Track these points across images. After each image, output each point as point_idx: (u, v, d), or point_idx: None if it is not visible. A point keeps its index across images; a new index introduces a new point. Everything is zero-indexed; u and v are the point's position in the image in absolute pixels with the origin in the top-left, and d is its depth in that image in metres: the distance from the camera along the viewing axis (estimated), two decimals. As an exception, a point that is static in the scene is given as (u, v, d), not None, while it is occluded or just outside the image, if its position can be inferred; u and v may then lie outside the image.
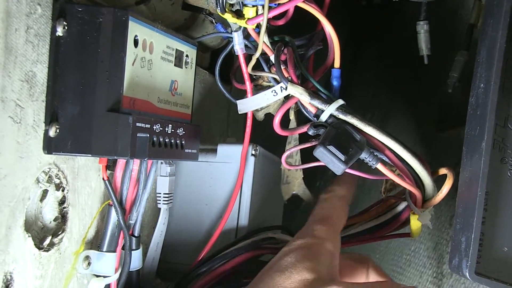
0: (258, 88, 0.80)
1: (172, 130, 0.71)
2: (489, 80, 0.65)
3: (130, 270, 0.75)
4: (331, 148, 0.66)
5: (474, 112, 0.68)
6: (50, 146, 0.63)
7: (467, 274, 0.64)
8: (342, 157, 0.66)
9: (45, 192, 0.66)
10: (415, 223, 0.75)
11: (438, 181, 0.74)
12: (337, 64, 0.75)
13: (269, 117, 0.77)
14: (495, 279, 0.65)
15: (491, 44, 0.66)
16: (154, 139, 0.67)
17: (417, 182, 0.73)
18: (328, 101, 0.71)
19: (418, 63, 0.83)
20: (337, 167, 0.66)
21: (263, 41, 0.73)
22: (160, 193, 0.80)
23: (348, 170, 0.69)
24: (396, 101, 1.18)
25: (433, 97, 0.97)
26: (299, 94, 0.71)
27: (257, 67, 0.78)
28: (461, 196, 0.69)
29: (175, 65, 0.74)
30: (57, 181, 0.67)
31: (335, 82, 0.75)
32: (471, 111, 0.69)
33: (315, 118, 0.72)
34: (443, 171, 0.73)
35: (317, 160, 0.68)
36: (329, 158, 0.66)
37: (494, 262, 0.67)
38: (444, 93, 0.93)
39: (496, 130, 0.66)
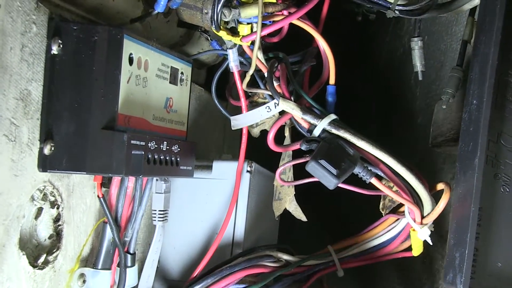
0: (253, 104, 0.80)
1: (167, 147, 0.71)
2: (482, 97, 0.65)
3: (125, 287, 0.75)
4: (323, 162, 0.66)
5: (467, 128, 0.68)
6: (45, 164, 0.63)
7: (461, 289, 0.64)
8: (334, 171, 0.66)
9: (40, 210, 0.66)
10: (415, 240, 0.75)
11: (437, 197, 0.74)
12: (332, 80, 0.76)
13: (265, 134, 0.77)
14: (489, 295, 0.66)
15: (484, 61, 0.66)
16: (149, 156, 0.67)
17: (414, 197, 0.73)
18: (321, 116, 0.71)
19: (413, 79, 0.84)
20: (330, 181, 0.66)
21: (257, 58, 0.74)
22: (155, 210, 0.80)
23: (341, 185, 0.69)
24: (391, 115, 1.18)
25: (427, 113, 0.98)
26: (291, 109, 0.71)
27: (253, 84, 0.79)
28: (455, 211, 0.69)
29: (170, 82, 0.75)
30: (52, 198, 0.67)
31: (330, 98, 0.75)
32: (464, 127, 0.70)
33: (308, 134, 0.72)
34: (440, 186, 0.74)
35: (310, 176, 0.68)
36: (321, 173, 0.66)
37: (488, 278, 0.66)
38: (439, 109, 0.94)
39: (489, 146, 0.66)
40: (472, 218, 0.64)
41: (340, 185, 0.69)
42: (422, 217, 0.74)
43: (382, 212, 0.79)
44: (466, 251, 0.64)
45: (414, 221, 0.74)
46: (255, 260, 0.79)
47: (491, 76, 0.65)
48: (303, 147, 0.70)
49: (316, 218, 1.15)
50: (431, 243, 0.74)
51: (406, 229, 0.77)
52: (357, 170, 0.69)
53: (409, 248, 0.78)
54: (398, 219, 0.77)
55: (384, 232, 0.80)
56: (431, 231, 0.74)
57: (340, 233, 0.82)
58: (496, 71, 0.65)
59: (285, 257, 0.80)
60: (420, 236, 0.74)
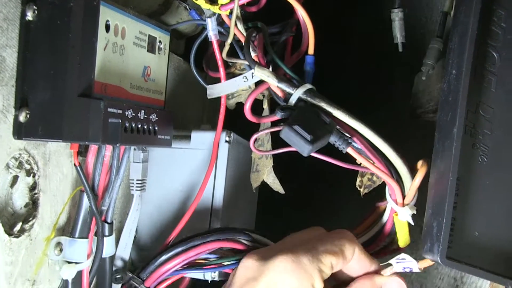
0: (230, 76, 0.80)
1: (145, 116, 0.71)
2: (461, 67, 0.65)
3: (102, 256, 0.74)
4: (297, 128, 0.65)
5: (446, 98, 0.68)
6: (20, 131, 0.63)
7: (439, 258, 0.64)
8: (308, 137, 0.65)
9: (15, 178, 0.65)
10: (400, 228, 0.74)
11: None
12: (311, 50, 0.75)
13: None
14: (466, 264, 0.66)
15: (463, 31, 0.66)
16: (127, 124, 0.67)
17: (393, 173, 0.72)
18: (297, 85, 0.70)
19: (392, 51, 0.83)
20: (303, 147, 0.65)
21: (236, 27, 0.73)
22: (133, 180, 0.80)
23: (316, 155, 0.68)
24: (371, 87, 1.18)
25: (406, 84, 0.98)
26: (266, 76, 0.70)
27: (233, 55, 0.78)
28: (433, 181, 0.69)
29: (148, 50, 0.74)
30: (28, 167, 0.66)
31: (308, 68, 0.75)
32: (443, 97, 0.70)
33: (284, 103, 0.72)
34: (420, 164, 0.73)
35: (287, 145, 0.68)
36: (295, 139, 0.65)
37: (465, 247, 0.67)
38: (418, 81, 0.94)
39: (468, 116, 0.66)
40: (450, 187, 0.64)
41: (315, 155, 0.69)
42: (403, 196, 0.73)
43: (359, 190, 0.79)
44: (444, 220, 0.64)
45: (396, 202, 0.73)
46: (230, 233, 0.78)
47: (471, 46, 0.65)
48: (278, 115, 0.69)
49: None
50: (413, 223, 0.73)
51: (390, 216, 0.76)
52: (333, 139, 0.69)
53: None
54: (385, 207, 0.77)
55: (374, 225, 0.79)
56: (413, 213, 0.73)
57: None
58: (475, 41, 0.65)
59: (264, 240, 0.79)
60: (401, 217, 0.73)
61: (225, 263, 0.76)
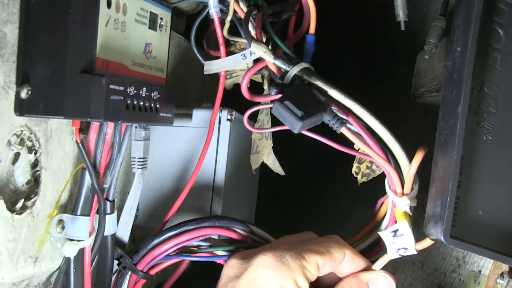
0: (229, 55, 0.79)
1: (147, 94, 0.70)
2: (466, 44, 0.65)
3: (104, 234, 0.74)
4: (287, 103, 0.64)
5: (450, 76, 0.68)
6: (22, 108, 0.62)
7: (442, 237, 0.64)
8: (299, 113, 0.63)
9: (17, 155, 0.65)
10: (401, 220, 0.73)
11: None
12: (312, 30, 0.75)
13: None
14: (470, 242, 0.65)
15: (468, 8, 0.66)
16: (128, 102, 0.66)
17: (390, 159, 0.71)
18: (293, 62, 0.70)
19: (395, 29, 0.83)
20: (293, 123, 0.64)
21: (237, 4, 0.73)
22: (134, 158, 0.79)
23: (310, 134, 0.68)
24: (371, 66, 1.18)
25: (409, 63, 0.97)
26: (263, 52, 0.70)
27: (234, 34, 0.77)
28: (437, 160, 0.69)
29: (149, 27, 0.73)
30: (29, 143, 0.66)
31: (308, 47, 0.74)
32: (447, 75, 0.69)
33: (280, 81, 0.71)
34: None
35: (281, 124, 0.67)
36: (286, 114, 0.64)
37: (469, 226, 0.66)
38: (421, 60, 0.93)
39: (473, 93, 0.66)
40: (454, 166, 0.64)
41: (308, 133, 0.68)
42: (402, 184, 0.71)
43: (356, 177, 0.77)
44: (448, 199, 0.64)
45: (395, 193, 0.71)
46: (226, 221, 0.77)
47: (476, 23, 0.64)
48: (272, 92, 0.68)
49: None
50: (410, 213, 0.72)
51: (392, 210, 0.74)
52: (326, 118, 0.68)
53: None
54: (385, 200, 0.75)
55: (374, 230, 0.77)
56: (413, 206, 0.72)
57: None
58: (480, 18, 0.64)
59: (262, 232, 0.78)
60: (399, 207, 0.71)
61: (218, 253, 0.75)
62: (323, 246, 0.69)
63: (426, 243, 0.69)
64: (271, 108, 0.67)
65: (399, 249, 0.70)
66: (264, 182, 1.03)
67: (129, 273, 0.78)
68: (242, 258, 0.69)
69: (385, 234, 0.70)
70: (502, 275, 0.72)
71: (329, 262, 0.68)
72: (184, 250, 0.77)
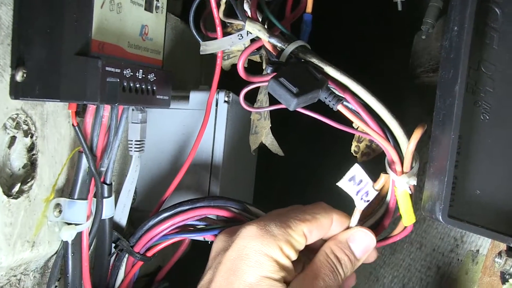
0: (227, 35, 0.79)
1: (143, 76, 0.70)
2: (463, 23, 0.64)
3: (102, 218, 0.74)
4: (283, 80, 0.63)
5: (447, 55, 0.68)
6: (17, 91, 0.62)
7: (440, 217, 0.64)
8: (294, 89, 0.63)
9: (13, 139, 0.64)
10: (404, 202, 0.71)
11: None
12: (309, 9, 0.74)
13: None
14: (468, 222, 0.65)
15: (465, -14, 0.65)
16: (125, 84, 0.66)
17: (389, 137, 0.70)
18: (288, 40, 0.69)
19: (393, 9, 0.82)
20: (289, 100, 0.63)
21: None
22: (131, 140, 0.79)
23: (307, 112, 0.67)
24: (369, 48, 1.17)
25: (406, 44, 0.97)
26: (257, 30, 0.69)
27: (229, 15, 0.77)
28: (435, 140, 0.68)
29: (145, 9, 0.73)
30: (25, 127, 0.65)
31: (304, 26, 0.73)
32: (444, 55, 0.69)
33: (276, 59, 0.70)
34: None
35: (278, 102, 0.66)
36: (281, 91, 0.63)
37: (466, 205, 0.66)
38: (418, 40, 0.93)
39: (470, 73, 0.66)
40: (452, 145, 0.64)
41: (305, 111, 0.67)
42: (402, 162, 0.70)
43: (354, 155, 0.77)
44: (446, 178, 0.64)
45: (395, 171, 0.70)
46: (222, 201, 0.77)
47: (472, 2, 0.64)
48: (268, 70, 0.68)
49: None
50: (410, 192, 0.71)
51: (393, 190, 0.73)
52: (323, 95, 0.67)
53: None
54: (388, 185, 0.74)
55: (377, 209, 0.76)
56: (413, 184, 0.71)
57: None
58: (477, -4, 0.64)
59: (256, 211, 0.77)
60: (398, 186, 0.71)
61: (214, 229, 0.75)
62: (308, 213, 0.69)
63: (382, 179, 0.68)
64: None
65: (362, 196, 0.69)
66: (262, 163, 1.03)
67: (126, 255, 0.78)
68: (230, 232, 0.69)
69: (344, 184, 0.69)
70: (500, 254, 0.72)
71: (316, 229, 0.68)
72: (181, 230, 0.77)
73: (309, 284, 0.66)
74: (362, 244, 0.71)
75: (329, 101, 0.67)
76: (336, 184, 0.68)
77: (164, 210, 0.76)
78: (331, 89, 0.68)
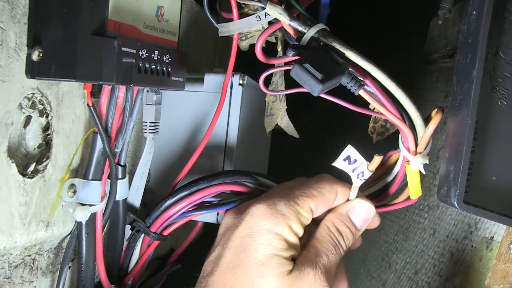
0: (244, 17, 0.78)
1: (159, 57, 0.69)
2: (482, 7, 0.64)
3: (116, 199, 0.74)
4: (307, 66, 0.63)
5: (465, 40, 0.67)
6: (33, 70, 0.61)
7: (455, 203, 0.64)
8: (319, 76, 0.63)
9: (28, 118, 0.64)
10: (412, 178, 0.72)
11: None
12: (326, -9, 0.74)
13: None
14: (483, 208, 0.65)
15: (485, -30, 0.65)
16: (140, 65, 0.66)
17: (405, 119, 0.70)
18: (309, 24, 0.69)
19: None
20: (314, 86, 0.63)
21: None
22: (146, 122, 0.79)
23: (327, 97, 0.67)
24: (384, 34, 1.17)
25: (422, 29, 0.96)
26: (278, 14, 0.68)
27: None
28: (451, 125, 0.68)
29: (161, -10, 0.73)
30: (41, 107, 0.65)
31: (323, 9, 0.73)
32: (462, 39, 0.68)
33: (296, 43, 0.70)
34: (434, 111, 0.71)
35: (298, 86, 0.66)
36: (305, 77, 0.63)
37: (482, 191, 0.66)
38: (434, 25, 0.92)
39: (488, 58, 0.65)
40: (469, 131, 0.63)
41: (326, 96, 0.67)
42: (416, 144, 0.71)
43: (371, 136, 0.77)
44: (462, 164, 0.63)
45: (408, 150, 0.71)
46: (236, 177, 0.77)
47: (492, -14, 0.63)
48: (290, 54, 0.67)
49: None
50: (424, 173, 0.72)
51: (403, 165, 0.74)
52: (345, 80, 0.67)
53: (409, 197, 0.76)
54: (397, 158, 0.75)
55: (384, 176, 0.78)
56: (426, 163, 0.71)
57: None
58: (497, -20, 0.63)
59: (270, 182, 0.78)
60: (412, 165, 0.71)
61: (229, 202, 0.76)
62: (314, 188, 0.70)
63: (376, 160, 0.69)
64: (285, 70, 0.66)
65: (358, 175, 0.70)
66: (276, 144, 1.03)
67: (142, 236, 0.78)
68: (239, 209, 0.71)
69: (340, 164, 0.69)
70: (515, 241, 0.72)
71: (322, 204, 0.70)
72: (197, 208, 0.77)
73: (314, 261, 0.67)
74: (362, 214, 0.73)
75: (351, 86, 0.67)
76: (332, 164, 0.69)
77: (180, 189, 0.76)
78: (353, 74, 0.67)
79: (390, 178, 0.76)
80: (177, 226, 0.78)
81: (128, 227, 0.79)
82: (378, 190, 0.77)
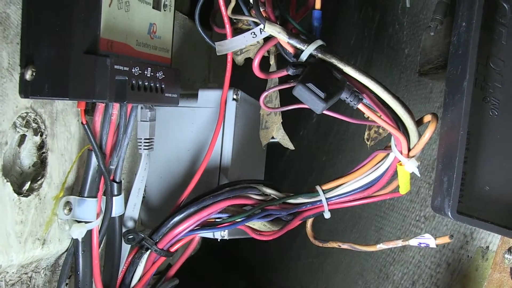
0: (237, 32, 0.79)
1: (152, 74, 0.70)
2: (471, 19, 0.64)
3: (112, 216, 0.74)
4: (310, 85, 0.64)
5: (456, 51, 0.67)
6: (26, 89, 0.62)
7: (449, 213, 0.64)
8: (322, 95, 0.64)
9: (23, 137, 0.65)
10: (403, 176, 0.73)
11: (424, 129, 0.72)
12: (318, 5, 0.74)
13: (251, 64, 0.75)
14: (477, 218, 0.65)
15: (473, -18, 0.65)
16: (133, 82, 0.66)
17: (400, 126, 0.71)
18: (307, 41, 0.69)
19: (400, 8, 0.83)
20: (317, 105, 0.64)
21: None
22: (141, 139, 0.79)
23: (327, 112, 0.68)
24: (378, 46, 1.17)
25: (414, 43, 0.97)
26: (277, 33, 0.69)
27: (238, 11, 0.77)
28: (444, 136, 0.68)
29: (153, 7, 0.73)
30: (35, 126, 0.66)
31: (316, 23, 0.73)
32: (453, 51, 0.69)
33: (294, 60, 0.70)
34: (427, 117, 0.72)
35: (297, 102, 0.67)
36: (309, 96, 0.64)
37: (476, 201, 0.66)
38: (427, 37, 0.93)
39: (478, 69, 0.66)
40: (461, 141, 0.64)
41: (326, 112, 0.68)
42: (409, 149, 0.72)
43: (367, 143, 0.78)
44: (455, 175, 0.64)
45: (401, 153, 0.72)
46: (240, 190, 0.78)
47: (481, -3, 0.64)
48: (290, 72, 0.68)
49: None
50: (419, 175, 0.72)
51: (393, 164, 0.75)
52: (344, 95, 0.68)
53: (397, 189, 0.77)
54: (387, 154, 0.76)
55: (372, 170, 0.78)
56: (418, 163, 0.73)
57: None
58: (485, -9, 0.64)
59: (271, 191, 0.79)
60: (407, 168, 0.71)
61: (238, 220, 0.76)
62: None
63: (445, 240, 0.70)
64: (289, 88, 0.67)
65: (420, 243, 0.73)
66: (271, 158, 1.03)
67: (148, 252, 0.78)
68: None
69: (411, 241, 0.72)
70: (509, 250, 0.72)
71: None
72: (205, 224, 0.78)
73: None
74: None
75: (350, 100, 0.68)
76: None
77: (187, 206, 0.77)
78: (351, 88, 0.68)
79: (378, 174, 0.77)
80: (184, 242, 0.79)
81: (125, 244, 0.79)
82: (366, 184, 0.78)
